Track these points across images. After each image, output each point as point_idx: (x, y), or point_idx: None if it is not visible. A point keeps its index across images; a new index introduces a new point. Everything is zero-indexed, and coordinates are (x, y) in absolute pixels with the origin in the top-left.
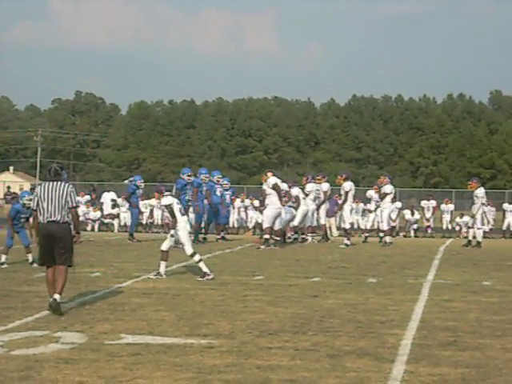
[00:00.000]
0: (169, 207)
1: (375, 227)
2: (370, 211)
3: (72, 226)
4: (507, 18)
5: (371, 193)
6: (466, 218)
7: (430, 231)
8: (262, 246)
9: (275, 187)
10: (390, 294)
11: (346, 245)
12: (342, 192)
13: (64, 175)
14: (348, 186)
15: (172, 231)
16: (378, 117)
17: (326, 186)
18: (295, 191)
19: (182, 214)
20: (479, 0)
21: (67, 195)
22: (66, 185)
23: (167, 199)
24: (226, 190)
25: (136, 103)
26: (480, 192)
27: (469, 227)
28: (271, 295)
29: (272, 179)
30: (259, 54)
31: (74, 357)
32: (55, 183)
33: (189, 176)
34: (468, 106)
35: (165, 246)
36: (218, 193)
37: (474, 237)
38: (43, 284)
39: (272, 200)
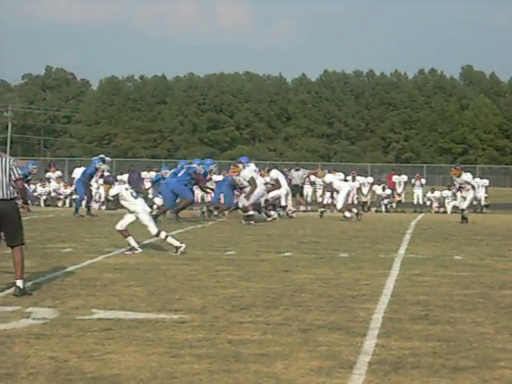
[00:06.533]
0: (116, 197)
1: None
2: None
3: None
4: None
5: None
6: (438, 193)
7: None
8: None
9: (250, 181)
10: (361, 268)
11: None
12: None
13: None
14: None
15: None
16: (349, 92)
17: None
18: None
19: (135, 198)
20: None
21: (10, 169)
22: (8, 158)
23: (114, 189)
24: None
25: (107, 78)
26: (467, 177)
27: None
28: (243, 270)
29: (247, 172)
30: (231, 30)
31: (46, 332)
32: None
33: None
34: (439, 81)
35: (119, 226)
36: None
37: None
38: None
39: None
